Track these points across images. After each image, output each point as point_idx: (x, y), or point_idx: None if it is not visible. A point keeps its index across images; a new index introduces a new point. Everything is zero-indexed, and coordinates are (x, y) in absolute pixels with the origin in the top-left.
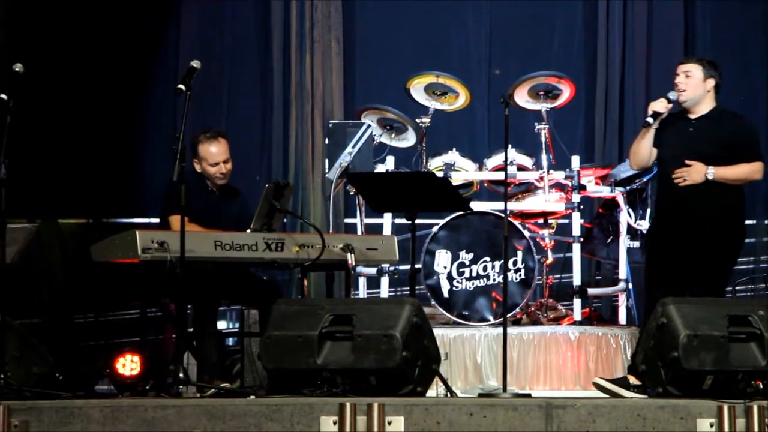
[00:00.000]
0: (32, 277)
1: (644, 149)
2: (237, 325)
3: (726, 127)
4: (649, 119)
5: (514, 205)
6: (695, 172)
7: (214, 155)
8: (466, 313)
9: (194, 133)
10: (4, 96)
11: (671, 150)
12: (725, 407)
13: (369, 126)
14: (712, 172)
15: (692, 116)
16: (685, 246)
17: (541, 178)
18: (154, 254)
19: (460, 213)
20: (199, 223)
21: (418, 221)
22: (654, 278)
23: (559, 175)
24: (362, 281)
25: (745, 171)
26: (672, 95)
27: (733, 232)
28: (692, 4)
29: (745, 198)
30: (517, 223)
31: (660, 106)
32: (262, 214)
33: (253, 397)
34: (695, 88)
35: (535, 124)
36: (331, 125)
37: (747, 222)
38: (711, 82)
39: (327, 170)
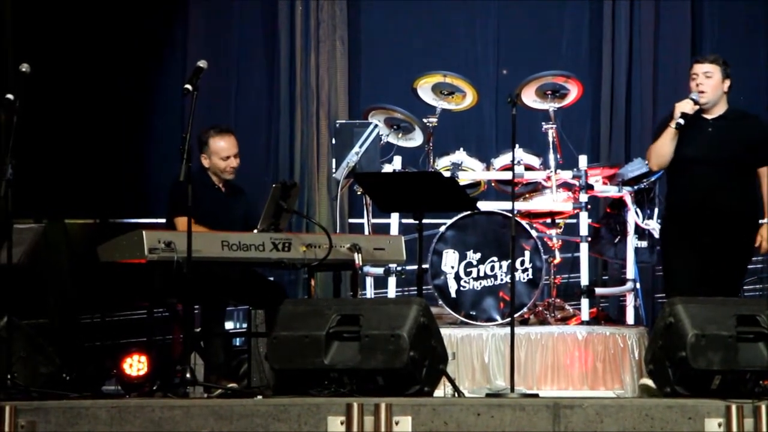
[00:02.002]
0: (39, 278)
1: (669, 150)
2: (244, 326)
3: (746, 128)
4: (680, 120)
5: (521, 205)
6: None
7: (225, 149)
8: (474, 313)
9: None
10: (10, 96)
11: (692, 151)
12: (733, 407)
13: (376, 126)
14: None
15: (709, 116)
16: (703, 244)
17: (549, 178)
18: (161, 254)
19: (468, 213)
20: (206, 222)
21: (425, 221)
22: (673, 279)
23: (566, 175)
24: (369, 281)
25: None
26: (695, 96)
27: (752, 229)
28: (699, 4)
29: None
30: (524, 222)
31: (688, 107)
32: (269, 215)
33: (260, 397)
34: (715, 89)
35: (543, 123)
36: (338, 125)
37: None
38: (727, 83)
39: (334, 170)
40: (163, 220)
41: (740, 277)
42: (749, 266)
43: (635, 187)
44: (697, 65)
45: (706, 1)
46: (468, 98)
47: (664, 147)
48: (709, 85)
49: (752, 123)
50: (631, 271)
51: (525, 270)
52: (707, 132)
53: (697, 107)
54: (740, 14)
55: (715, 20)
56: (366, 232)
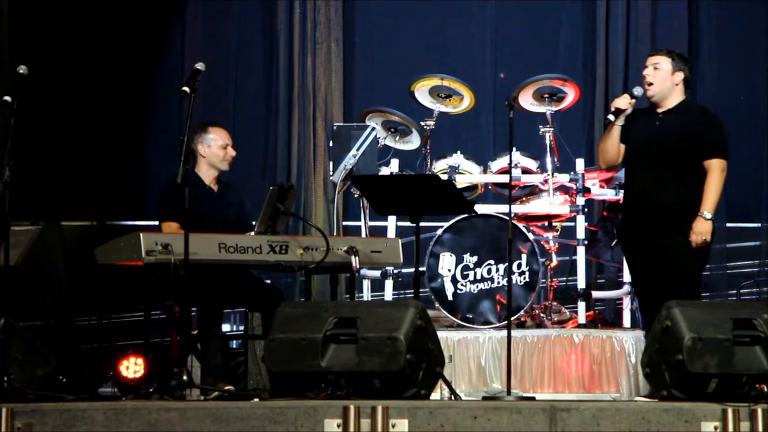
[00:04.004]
0: (36, 280)
1: (611, 147)
2: (241, 328)
3: (691, 121)
4: (610, 116)
5: (518, 208)
6: (701, 228)
7: (225, 137)
8: (470, 316)
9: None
10: (8, 98)
11: (638, 146)
12: (730, 410)
13: (373, 128)
14: (707, 212)
15: (659, 110)
16: (651, 243)
17: (546, 181)
18: (158, 257)
19: (465, 216)
20: (199, 223)
21: (422, 224)
22: (635, 280)
23: (563, 178)
24: (366, 284)
25: (718, 181)
26: (637, 91)
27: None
28: (696, 5)
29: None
30: (521, 225)
31: (622, 102)
32: (266, 217)
33: (257, 399)
34: (663, 81)
35: (540, 126)
36: (335, 128)
37: (752, 225)
38: (679, 76)
39: (331, 172)
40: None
41: (692, 276)
42: (740, 270)
43: None
44: (648, 57)
45: (703, 1)
46: (465, 101)
47: (605, 144)
48: (655, 76)
49: (696, 115)
50: (627, 274)
51: (522, 273)
52: (654, 126)
53: (634, 101)
54: (738, 15)
55: (712, 21)
56: (363, 235)
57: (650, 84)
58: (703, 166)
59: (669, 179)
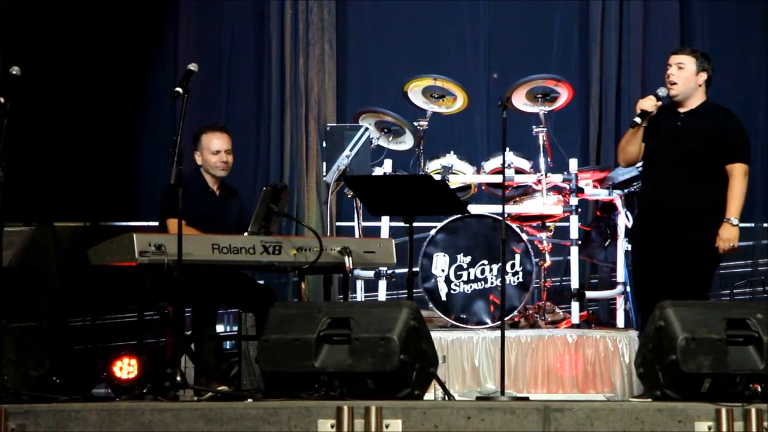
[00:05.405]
0: (29, 281)
1: (632, 148)
2: (235, 329)
3: (713, 122)
4: (637, 119)
5: (511, 208)
6: (728, 234)
7: (216, 144)
8: (464, 317)
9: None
10: (1, 99)
11: (658, 145)
12: (723, 410)
13: (367, 129)
14: (733, 218)
15: (681, 110)
16: (666, 243)
17: (539, 181)
18: (151, 257)
19: (458, 216)
20: (199, 225)
21: (415, 224)
22: (639, 279)
23: (557, 178)
24: (360, 284)
25: (741, 186)
26: (661, 92)
27: (707, 228)
28: (689, 5)
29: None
30: (514, 226)
31: (649, 104)
32: (259, 218)
33: (250, 400)
34: (687, 81)
35: (533, 127)
36: (328, 128)
37: (745, 225)
38: (703, 76)
39: (324, 173)
40: (154, 223)
41: (700, 279)
42: (734, 270)
43: (625, 191)
44: (672, 56)
45: (695, 1)
46: (458, 101)
47: (626, 144)
48: (679, 76)
49: (719, 117)
50: (621, 274)
51: (515, 273)
52: (675, 126)
53: (660, 103)
54: (731, 14)
55: (704, 21)
56: (356, 235)
57: (674, 83)
58: (722, 168)
59: (686, 179)
